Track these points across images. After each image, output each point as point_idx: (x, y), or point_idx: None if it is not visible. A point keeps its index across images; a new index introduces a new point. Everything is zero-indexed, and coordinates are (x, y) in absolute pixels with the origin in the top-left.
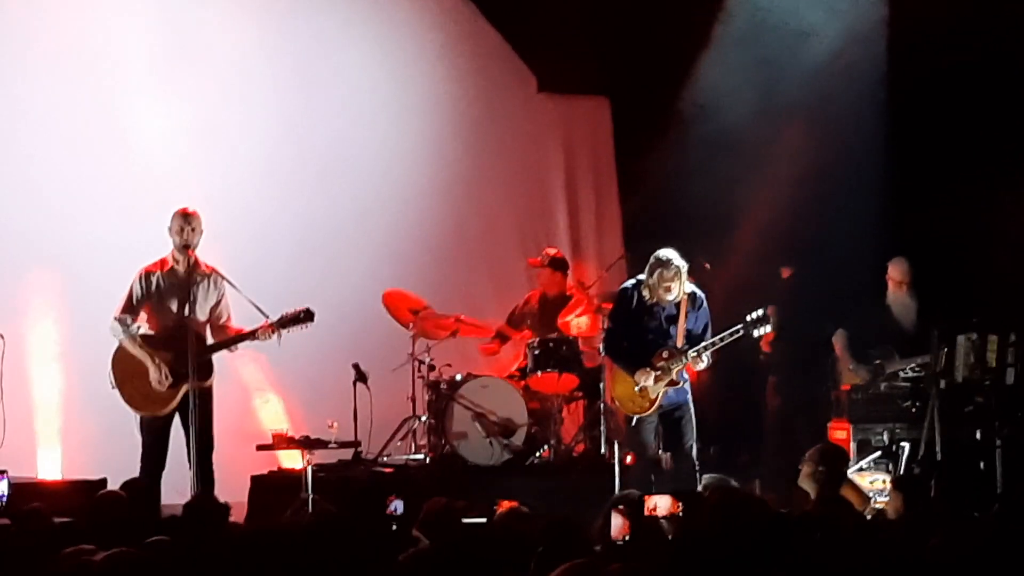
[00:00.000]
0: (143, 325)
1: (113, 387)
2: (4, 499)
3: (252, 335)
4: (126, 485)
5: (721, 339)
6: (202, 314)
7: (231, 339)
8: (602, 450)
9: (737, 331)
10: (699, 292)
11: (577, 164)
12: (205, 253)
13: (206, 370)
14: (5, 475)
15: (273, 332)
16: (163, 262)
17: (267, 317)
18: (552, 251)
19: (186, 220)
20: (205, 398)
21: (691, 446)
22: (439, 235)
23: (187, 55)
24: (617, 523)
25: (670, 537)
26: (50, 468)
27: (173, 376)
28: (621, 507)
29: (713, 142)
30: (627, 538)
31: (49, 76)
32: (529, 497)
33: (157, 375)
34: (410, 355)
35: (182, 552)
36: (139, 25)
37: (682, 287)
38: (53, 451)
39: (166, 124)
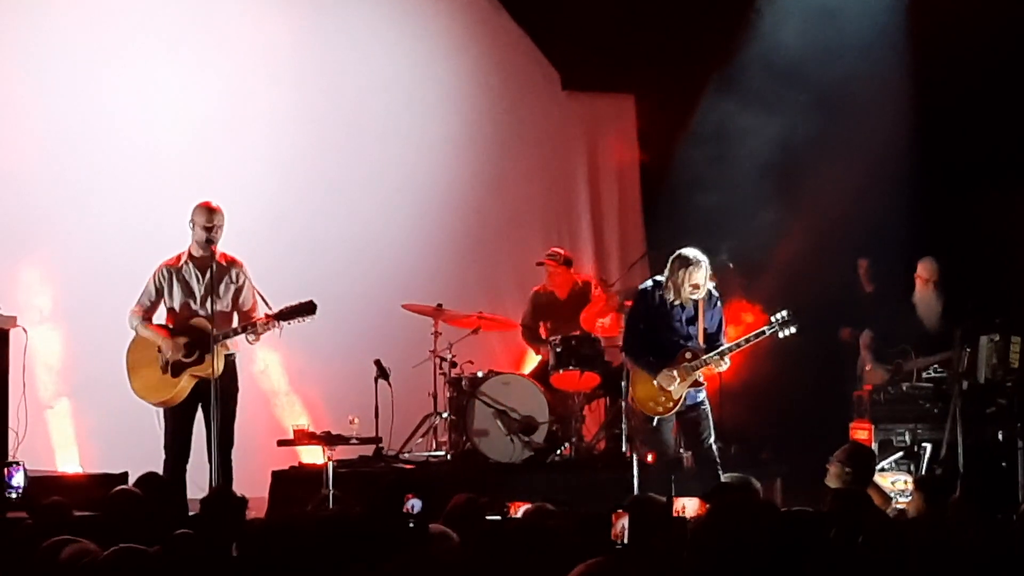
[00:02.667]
0: (161, 318)
1: (127, 376)
2: (20, 491)
3: (252, 327)
4: (141, 480)
5: (746, 340)
6: (222, 306)
7: (232, 329)
8: (623, 448)
9: (762, 332)
10: (714, 291)
11: (601, 162)
12: (225, 246)
13: (212, 360)
14: (21, 466)
15: (273, 324)
16: (181, 256)
17: (270, 308)
18: (561, 250)
19: (210, 215)
20: (226, 393)
21: (710, 444)
22: (462, 232)
23: (211, 48)
24: (619, 525)
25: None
26: (69, 461)
27: (176, 365)
28: (624, 508)
29: (737, 141)
30: (625, 541)
31: (71, 63)
32: (549, 494)
33: (172, 346)
34: (432, 352)
35: (201, 545)
36: (163, 15)
37: (707, 285)
38: (70, 444)
39: (189, 118)
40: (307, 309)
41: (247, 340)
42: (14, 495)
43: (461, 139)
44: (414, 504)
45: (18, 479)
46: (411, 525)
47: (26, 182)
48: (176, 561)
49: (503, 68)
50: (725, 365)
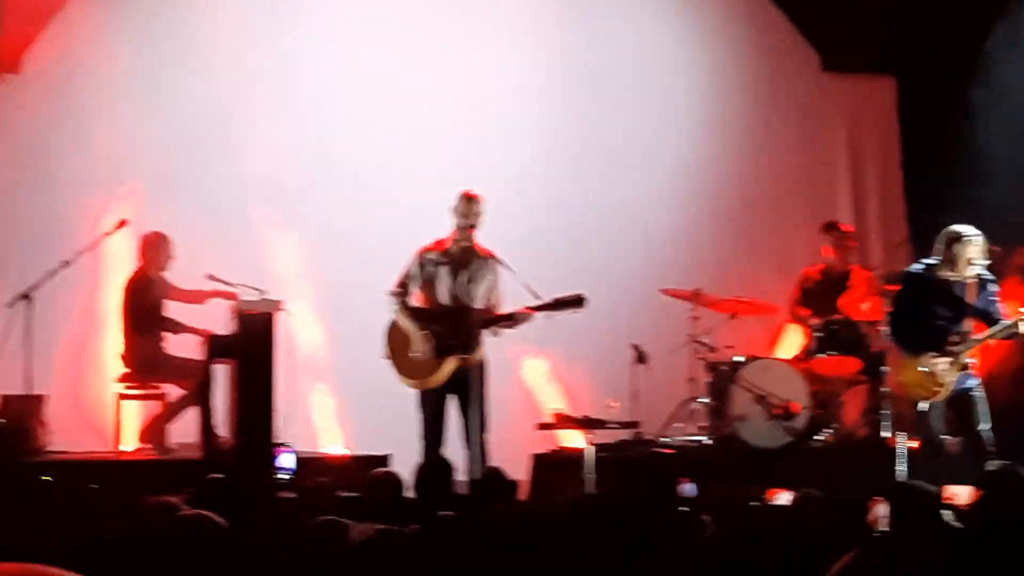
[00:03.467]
0: (417, 302)
1: (385, 358)
2: (291, 472)
3: (511, 318)
4: (423, 462)
5: (1015, 324)
6: (475, 296)
7: (491, 320)
8: (886, 435)
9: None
10: (986, 273)
11: (862, 145)
12: (485, 234)
13: (473, 346)
14: (291, 449)
15: (532, 316)
16: (441, 243)
17: (538, 299)
18: (845, 225)
19: (470, 202)
20: (479, 377)
21: (983, 431)
22: (721, 216)
23: (473, 31)
24: (879, 513)
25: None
26: (333, 443)
27: (439, 349)
28: (883, 495)
29: (1003, 121)
30: (887, 529)
31: (333, 48)
32: (809, 481)
33: (421, 346)
34: (690, 336)
35: (469, 527)
36: (428, 8)
37: (980, 263)
38: (333, 426)
39: (450, 104)
40: (575, 302)
41: (492, 332)
42: (285, 476)
43: (719, 121)
44: (687, 488)
45: (289, 460)
46: (682, 510)
47: (288, 166)
48: (440, 542)
49: (762, 49)
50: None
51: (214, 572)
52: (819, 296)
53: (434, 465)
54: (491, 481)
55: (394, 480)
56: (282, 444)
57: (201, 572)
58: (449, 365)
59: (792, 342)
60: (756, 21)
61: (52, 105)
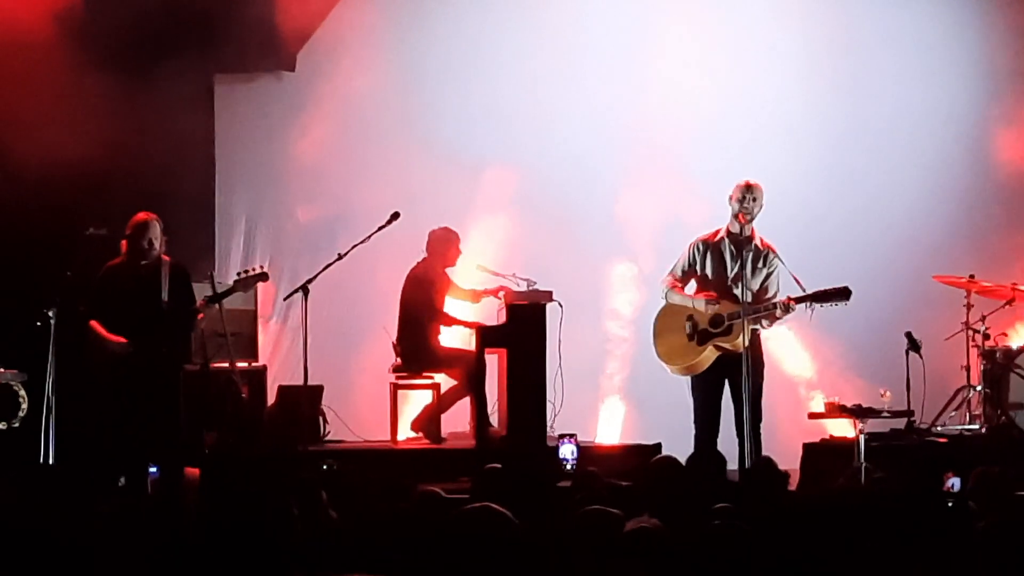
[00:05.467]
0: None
1: (652, 342)
2: (574, 462)
3: (773, 308)
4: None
5: None
6: (749, 287)
7: (761, 307)
8: None
9: None
10: None
11: None
12: (765, 227)
13: (733, 334)
14: (574, 439)
15: (793, 307)
16: (717, 232)
17: (804, 291)
18: None
19: (748, 191)
20: (752, 366)
21: None
22: (994, 200)
23: (741, 32)
24: None
25: None
26: (610, 432)
27: (703, 334)
28: None
29: None
30: None
31: (603, 47)
32: None
33: (686, 331)
34: (964, 324)
35: (743, 518)
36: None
37: None
38: (615, 415)
39: (719, 98)
40: (839, 294)
41: (761, 324)
42: (568, 466)
43: (990, 103)
44: (954, 483)
45: (570, 451)
46: (950, 504)
47: (560, 163)
48: (718, 539)
49: None
50: None
51: (500, 564)
52: None
53: (707, 458)
54: (763, 472)
55: (676, 466)
56: (567, 435)
57: (488, 564)
58: (710, 352)
59: None
60: None
61: (325, 103)
